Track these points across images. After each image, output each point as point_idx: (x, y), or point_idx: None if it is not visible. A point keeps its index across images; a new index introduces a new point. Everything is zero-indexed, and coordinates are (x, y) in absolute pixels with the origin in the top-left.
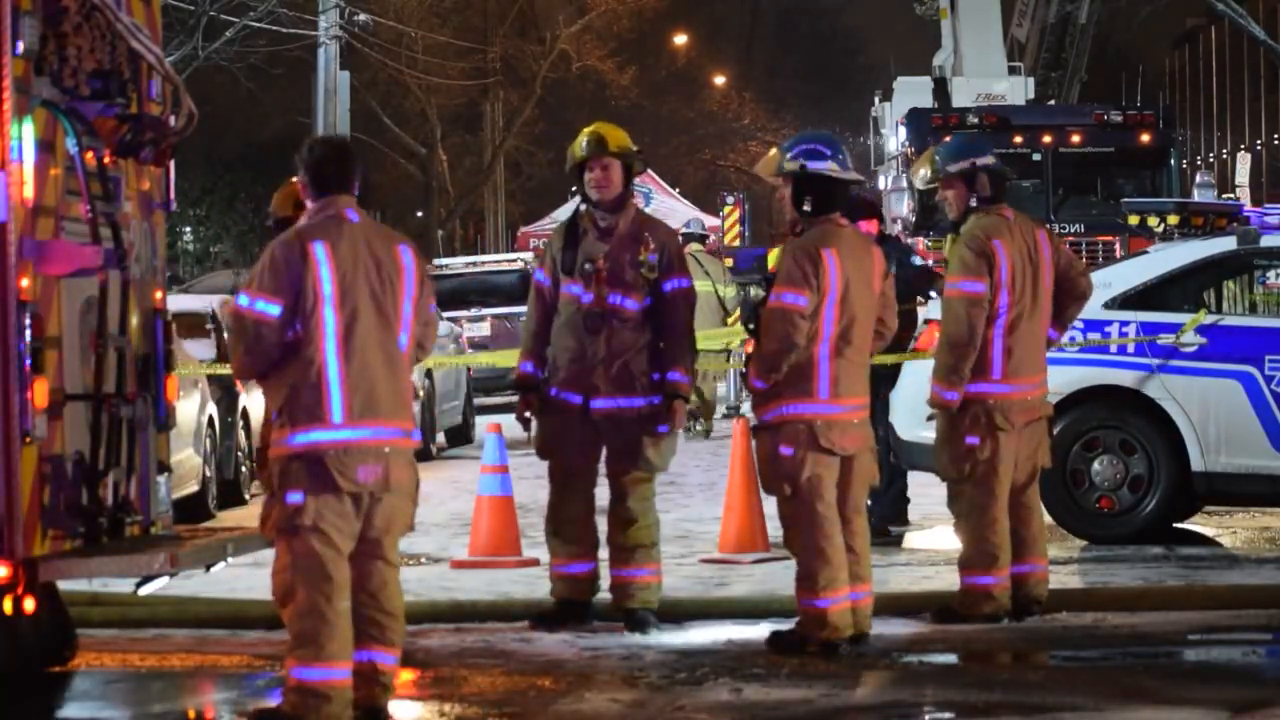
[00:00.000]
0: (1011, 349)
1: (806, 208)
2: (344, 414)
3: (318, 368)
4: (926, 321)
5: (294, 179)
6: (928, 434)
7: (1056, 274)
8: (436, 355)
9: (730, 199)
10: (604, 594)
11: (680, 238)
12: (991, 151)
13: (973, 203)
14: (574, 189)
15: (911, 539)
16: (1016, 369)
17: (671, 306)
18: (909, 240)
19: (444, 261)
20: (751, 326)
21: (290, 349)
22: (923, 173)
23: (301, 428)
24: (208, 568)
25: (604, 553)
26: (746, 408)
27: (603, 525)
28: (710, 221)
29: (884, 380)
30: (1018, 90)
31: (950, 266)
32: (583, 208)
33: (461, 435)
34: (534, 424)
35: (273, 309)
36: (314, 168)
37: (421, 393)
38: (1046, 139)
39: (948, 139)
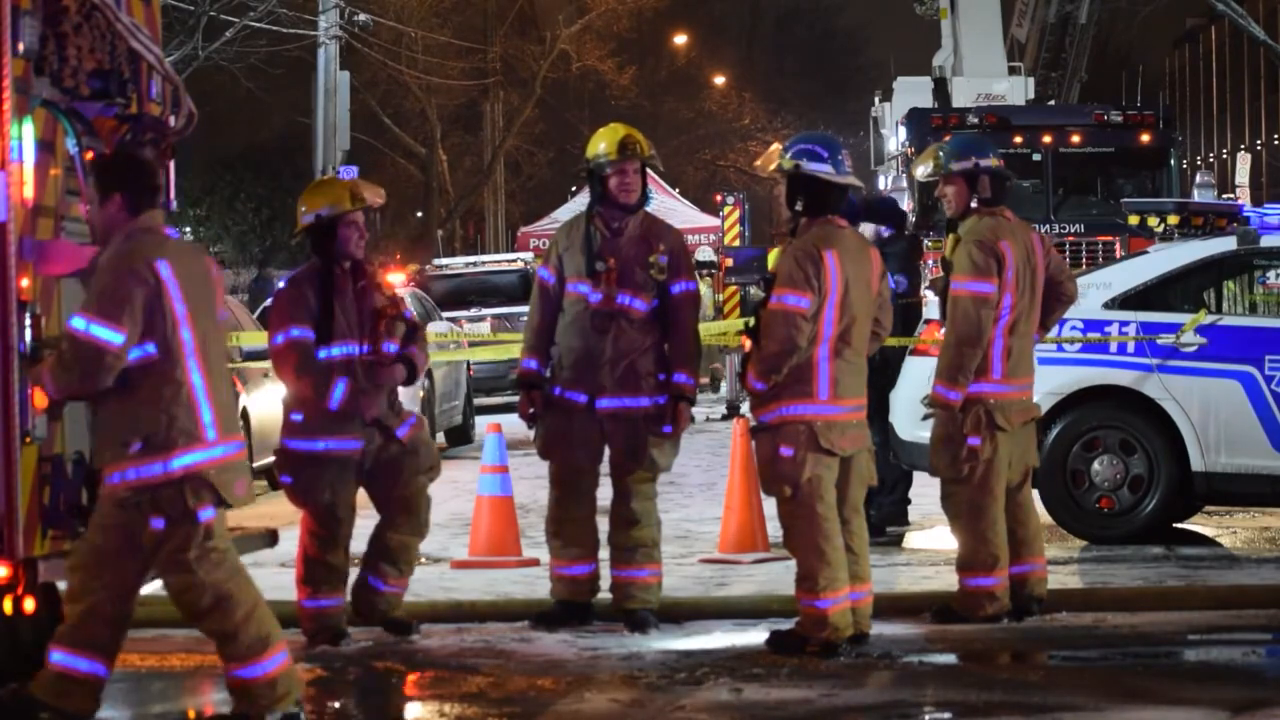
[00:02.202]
0: (1011, 349)
1: (798, 207)
2: (216, 431)
3: (187, 388)
4: (926, 321)
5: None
6: (927, 434)
7: (1046, 277)
8: (436, 353)
9: (730, 199)
10: (604, 594)
11: None
12: (995, 154)
13: (973, 203)
14: (574, 189)
15: (911, 539)
16: (1014, 369)
17: (679, 308)
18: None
19: (444, 261)
20: (750, 327)
21: (142, 373)
22: (924, 168)
23: (180, 450)
24: None
25: (604, 553)
26: (746, 408)
27: (603, 525)
28: (710, 221)
29: (885, 381)
30: (1018, 90)
31: (958, 265)
32: (596, 208)
33: (461, 435)
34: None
35: (117, 337)
36: (137, 181)
37: (422, 393)
38: (1046, 139)
39: (950, 136)
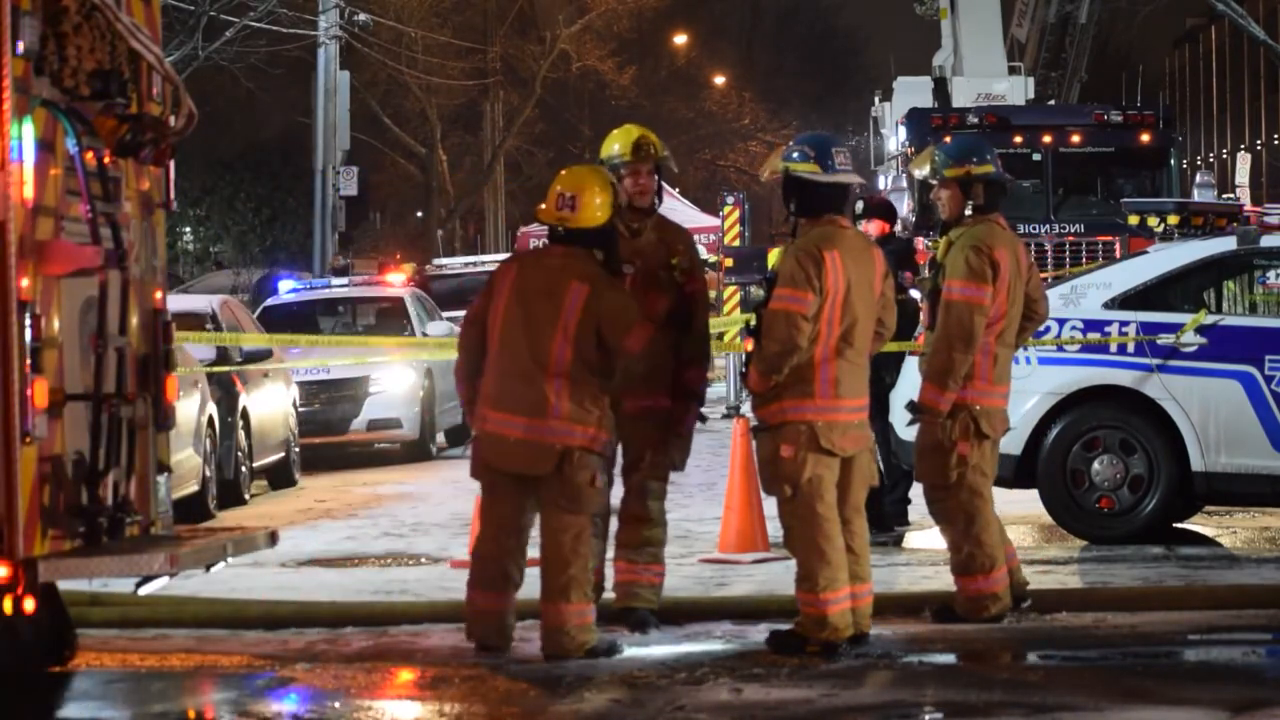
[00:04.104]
0: (998, 357)
1: (791, 207)
2: None
3: None
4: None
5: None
6: None
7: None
8: (436, 352)
9: (730, 199)
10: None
11: None
12: (994, 158)
13: (968, 210)
14: None
15: (911, 539)
16: (1000, 377)
17: (695, 308)
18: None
19: (444, 261)
20: (752, 327)
21: None
22: (920, 170)
23: None
24: (208, 568)
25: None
26: (747, 408)
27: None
28: (710, 221)
29: (885, 381)
30: (1018, 90)
31: (953, 269)
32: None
33: (462, 435)
34: None
35: None
36: None
37: (423, 392)
38: (1046, 139)
39: (949, 139)
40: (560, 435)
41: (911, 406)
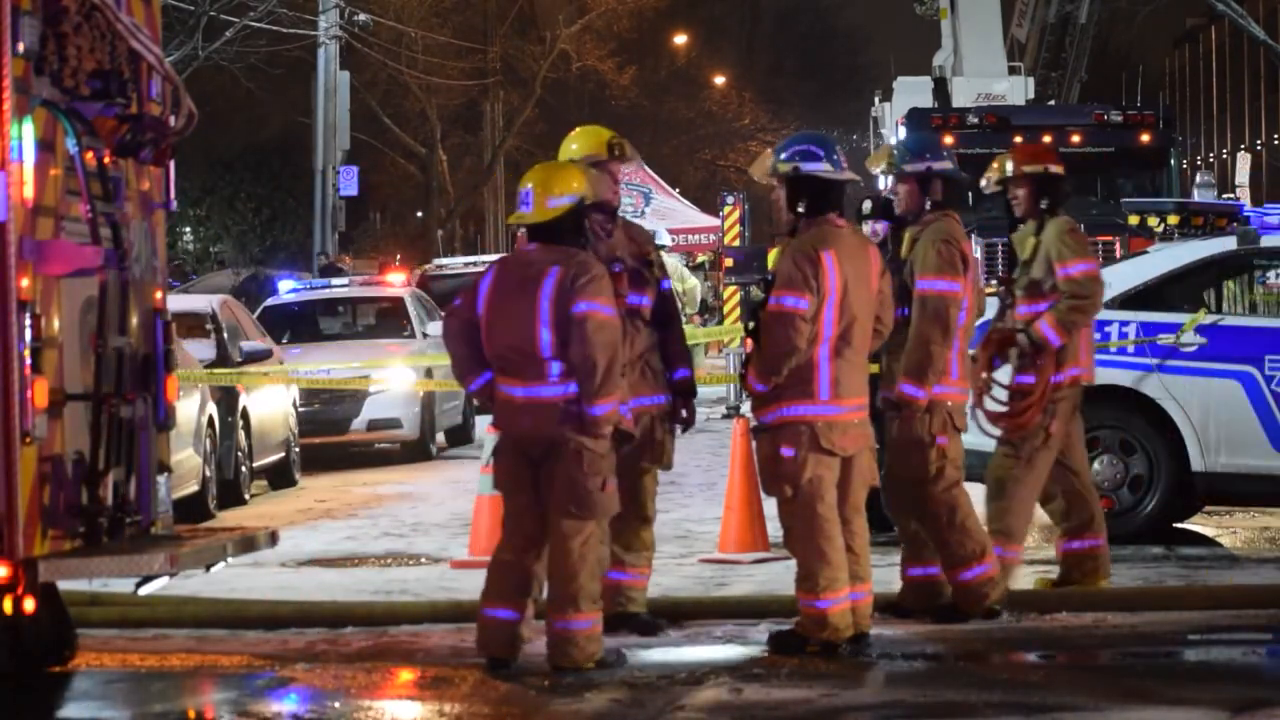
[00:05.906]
0: (963, 352)
1: (801, 209)
2: None
3: None
4: None
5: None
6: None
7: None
8: (436, 354)
9: (730, 199)
10: None
11: None
12: (950, 155)
13: (927, 205)
14: None
15: None
16: (966, 372)
17: (670, 304)
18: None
19: (444, 261)
20: (751, 328)
21: None
22: (876, 167)
23: None
24: (208, 568)
25: None
26: (747, 408)
27: None
28: (710, 221)
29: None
30: (1018, 90)
31: (925, 264)
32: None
33: (461, 435)
34: None
35: None
36: None
37: (423, 392)
38: (1046, 139)
39: (908, 136)
40: (558, 393)
41: (888, 402)
